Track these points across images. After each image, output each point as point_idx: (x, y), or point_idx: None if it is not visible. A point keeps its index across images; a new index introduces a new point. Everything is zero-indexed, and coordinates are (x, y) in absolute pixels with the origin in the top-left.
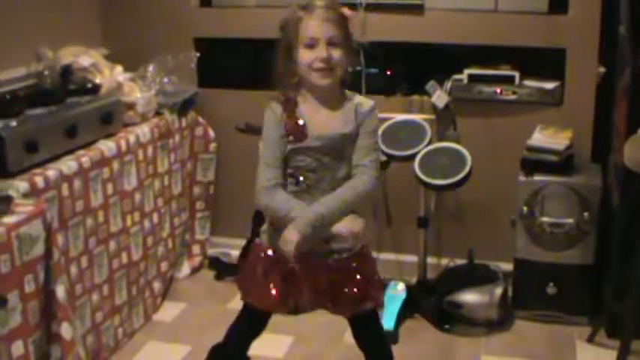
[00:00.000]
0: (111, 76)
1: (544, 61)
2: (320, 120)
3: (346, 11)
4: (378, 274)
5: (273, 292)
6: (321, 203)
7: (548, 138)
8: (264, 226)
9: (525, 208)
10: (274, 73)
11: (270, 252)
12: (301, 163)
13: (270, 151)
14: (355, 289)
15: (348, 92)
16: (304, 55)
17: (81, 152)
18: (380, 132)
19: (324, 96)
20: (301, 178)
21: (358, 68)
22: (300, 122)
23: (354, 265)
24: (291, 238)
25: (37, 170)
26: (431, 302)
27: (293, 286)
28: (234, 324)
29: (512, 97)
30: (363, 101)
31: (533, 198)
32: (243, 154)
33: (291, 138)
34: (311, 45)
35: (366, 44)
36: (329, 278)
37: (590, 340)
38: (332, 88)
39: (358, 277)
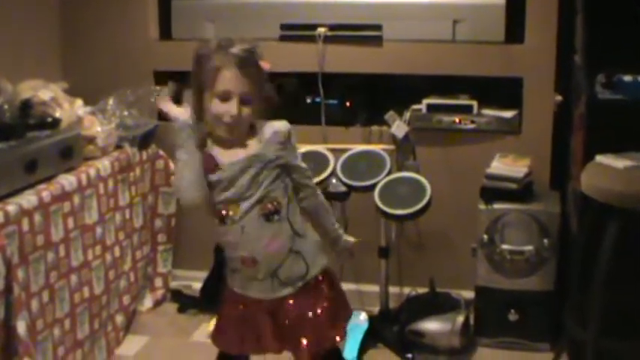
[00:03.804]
0: (71, 110)
1: (502, 90)
2: (228, 151)
3: (265, 64)
4: (340, 306)
5: (228, 334)
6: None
7: (507, 166)
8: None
9: (485, 236)
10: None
11: (230, 295)
12: (221, 196)
13: None
14: (310, 332)
15: (259, 122)
16: (215, 106)
17: (41, 187)
18: (340, 163)
19: (229, 139)
20: (229, 213)
21: (318, 100)
22: (211, 155)
23: (310, 301)
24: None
25: None
26: (393, 331)
27: (253, 330)
28: None
29: (471, 126)
30: (278, 124)
31: (493, 226)
32: None
33: (206, 171)
34: (224, 98)
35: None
36: (285, 321)
37: None
38: (238, 136)
39: (314, 315)
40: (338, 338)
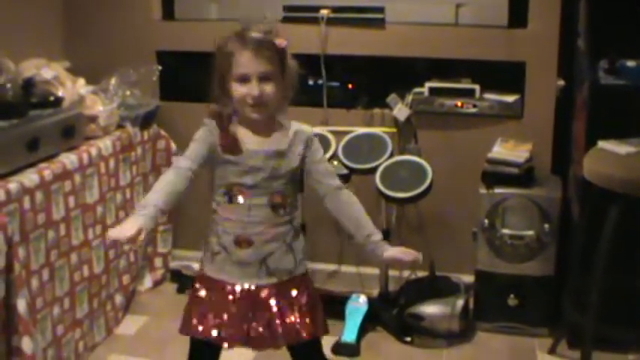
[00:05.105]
0: (73, 89)
1: (504, 75)
2: (254, 138)
3: (280, 42)
4: (319, 301)
5: (195, 321)
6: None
7: (508, 151)
8: (202, 253)
9: (486, 221)
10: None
11: (204, 282)
12: (237, 179)
13: (192, 151)
14: (292, 320)
15: (284, 121)
16: (237, 90)
17: (43, 165)
18: (341, 145)
19: (257, 123)
20: (239, 195)
21: (320, 82)
22: (235, 137)
23: (293, 293)
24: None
25: None
26: (392, 314)
27: (227, 320)
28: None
29: (473, 110)
30: (303, 127)
31: (494, 210)
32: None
33: (226, 151)
34: (243, 80)
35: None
36: (267, 312)
37: (552, 351)
38: (266, 119)
39: (297, 306)
40: (317, 333)
